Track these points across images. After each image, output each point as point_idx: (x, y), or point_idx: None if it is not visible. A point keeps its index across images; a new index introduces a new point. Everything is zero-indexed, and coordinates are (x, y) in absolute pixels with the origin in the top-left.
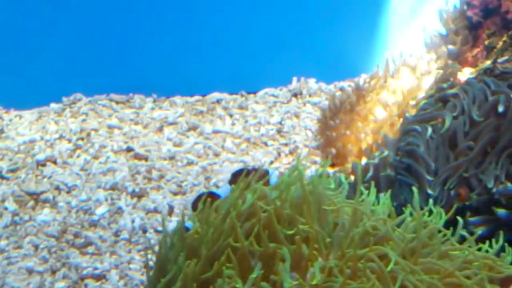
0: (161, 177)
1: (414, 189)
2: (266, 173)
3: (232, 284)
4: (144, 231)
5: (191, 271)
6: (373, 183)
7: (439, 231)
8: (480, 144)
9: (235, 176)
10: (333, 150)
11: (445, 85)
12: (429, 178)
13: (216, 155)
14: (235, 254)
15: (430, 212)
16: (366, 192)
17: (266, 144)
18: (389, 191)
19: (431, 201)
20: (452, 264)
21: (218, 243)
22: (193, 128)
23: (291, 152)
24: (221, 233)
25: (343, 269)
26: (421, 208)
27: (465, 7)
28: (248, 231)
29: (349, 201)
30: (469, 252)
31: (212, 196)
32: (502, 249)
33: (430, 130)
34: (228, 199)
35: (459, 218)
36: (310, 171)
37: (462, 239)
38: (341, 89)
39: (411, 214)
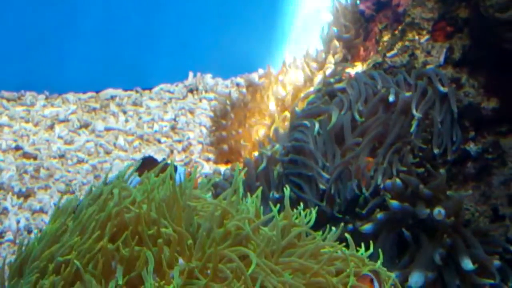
0: (50, 176)
1: (286, 188)
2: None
3: None
4: (29, 232)
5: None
6: (241, 182)
7: (308, 233)
8: (366, 140)
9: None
10: (226, 147)
11: (332, 80)
12: (322, 173)
13: (107, 153)
14: (100, 256)
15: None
16: (242, 191)
17: (159, 141)
18: (260, 189)
19: (301, 204)
20: (316, 263)
21: (84, 246)
22: (85, 125)
23: (184, 149)
24: (87, 234)
25: (203, 271)
26: (312, 203)
27: (357, 1)
28: (115, 233)
29: (214, 201)
30: (334, 250)
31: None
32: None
33: (317, 126)
34: (98, 199)
35: (329, 226)
36: (202, 168)
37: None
38: (238, 85)
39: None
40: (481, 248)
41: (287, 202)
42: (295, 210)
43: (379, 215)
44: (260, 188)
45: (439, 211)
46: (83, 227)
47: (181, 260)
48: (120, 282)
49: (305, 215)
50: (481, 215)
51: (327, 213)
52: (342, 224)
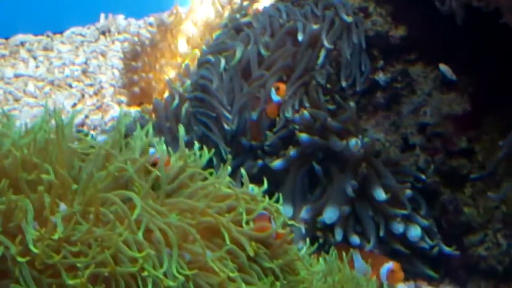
0: None
1: (180, 127)
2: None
3: None
4: None
5: None
6: (123, 124)
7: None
8: (273, 70)
9: None
10: (137, 89)
11: (238, 15)
12: (226, 113)
13: (16, 100)
14: None
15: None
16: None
17: (70, 85)
18: (149, 125)
19: (197, 144)
20: (203, 202)
21: None
22: None
23: (95, 93)
24: None
25: (85, 216)
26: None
27: None
28: None
29: (98, 142)
30: (218, 188)
31: None
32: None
33: (223, 62)
34: None
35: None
36: (114, 111)
37: None
38: (151, 24)
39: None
40: (392, 178)
41: (181, 141)
42: (191, 150)
43: (292, 152)
44: (150, 124)
45: (356, 142)
46: None
47: (63, 206)
48: None
49: (200, 156)
50: (392, 145)
51: (236, 150)
52: (229, 157)
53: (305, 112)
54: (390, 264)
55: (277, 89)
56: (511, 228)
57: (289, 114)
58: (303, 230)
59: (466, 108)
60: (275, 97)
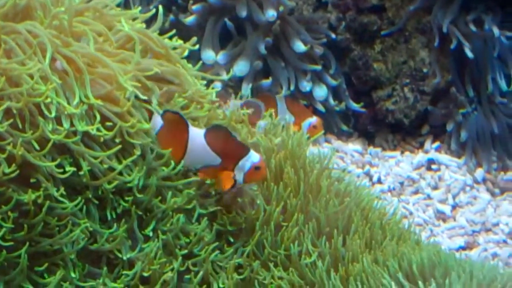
0: None
1: None
2: None
3: None
4: None
5: None
6: None
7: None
8: None
9: None
10: None
11: None
12: None
13: None
14: None
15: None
16: None
17: None
18: None
19: None
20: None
21: None
22: None
23: None
24: None
25: None
26: None
27: None
28: None
29: None
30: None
31: None
32: None
33: None
34: None
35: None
36: None
37: None
38: None
39: None
40: (307, 34)
41: None
42: None
43: (194, 7)
44: None
45: (272, 14)
46: None
47: None
48: None
49: None
50: (305, 3)
51: None
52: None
53: None
54: (313, 119)
55: None
56: (418, 83)
57: None
58: (225, 75)
59: None
60: None
